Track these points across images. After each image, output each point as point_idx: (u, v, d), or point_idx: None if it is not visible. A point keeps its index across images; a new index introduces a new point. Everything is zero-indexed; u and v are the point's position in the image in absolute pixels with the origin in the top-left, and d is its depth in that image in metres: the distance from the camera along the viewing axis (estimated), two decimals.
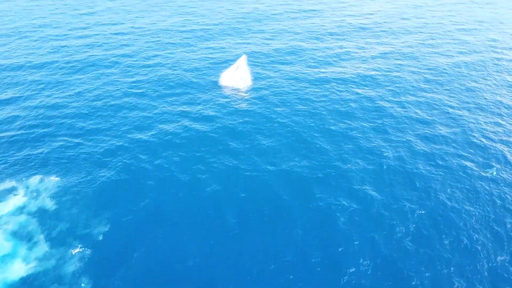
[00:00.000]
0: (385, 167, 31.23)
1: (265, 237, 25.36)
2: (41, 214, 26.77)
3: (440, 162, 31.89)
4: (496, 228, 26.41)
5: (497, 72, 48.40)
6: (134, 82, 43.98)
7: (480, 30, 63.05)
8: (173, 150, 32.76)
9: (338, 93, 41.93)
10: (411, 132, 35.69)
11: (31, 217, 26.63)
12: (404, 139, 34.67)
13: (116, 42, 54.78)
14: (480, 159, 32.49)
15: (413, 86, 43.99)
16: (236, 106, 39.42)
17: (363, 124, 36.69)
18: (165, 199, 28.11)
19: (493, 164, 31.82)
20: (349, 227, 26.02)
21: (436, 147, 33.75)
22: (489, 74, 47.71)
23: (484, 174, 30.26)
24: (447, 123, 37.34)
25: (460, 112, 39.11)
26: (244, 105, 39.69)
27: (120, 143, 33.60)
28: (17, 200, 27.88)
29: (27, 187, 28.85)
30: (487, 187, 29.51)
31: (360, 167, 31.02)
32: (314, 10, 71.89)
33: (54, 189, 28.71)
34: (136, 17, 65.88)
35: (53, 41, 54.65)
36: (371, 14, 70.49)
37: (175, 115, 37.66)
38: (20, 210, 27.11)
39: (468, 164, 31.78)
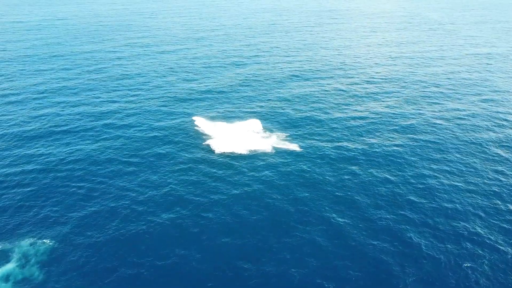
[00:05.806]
0: None
1: None
2: (29, 284, 25.63)
3: None
4: None
5: None
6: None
7: None
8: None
9: None
10: None
11: (18, 286, 25.49)
12: None
13: None
14: None
15: None
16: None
17: None
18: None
19: None
20: None
21: None
22: None
23: None
24: None
25: None
26: None
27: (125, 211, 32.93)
28: (5, 266, 26.81)
29: (18, 251, 27.84)
30: None
31: None
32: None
33: (45, 255, 27.66)
34: None
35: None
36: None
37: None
38: (7, 277, 26.02)
39: None
